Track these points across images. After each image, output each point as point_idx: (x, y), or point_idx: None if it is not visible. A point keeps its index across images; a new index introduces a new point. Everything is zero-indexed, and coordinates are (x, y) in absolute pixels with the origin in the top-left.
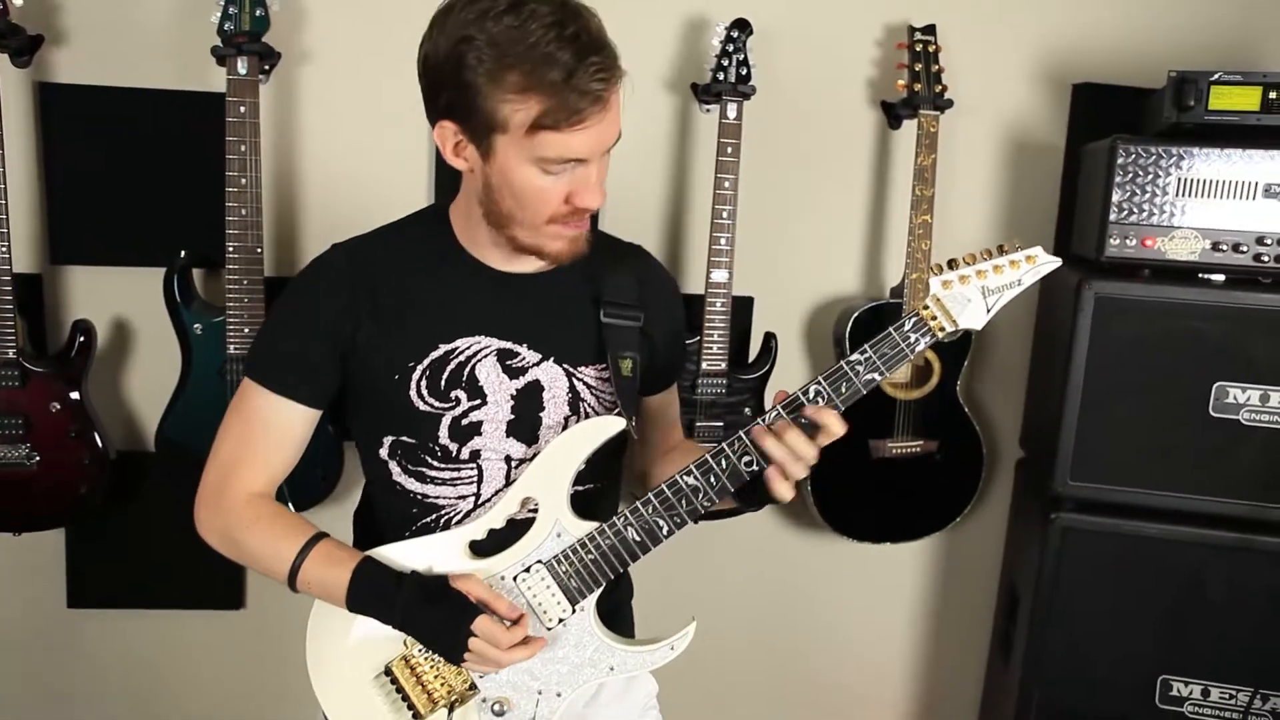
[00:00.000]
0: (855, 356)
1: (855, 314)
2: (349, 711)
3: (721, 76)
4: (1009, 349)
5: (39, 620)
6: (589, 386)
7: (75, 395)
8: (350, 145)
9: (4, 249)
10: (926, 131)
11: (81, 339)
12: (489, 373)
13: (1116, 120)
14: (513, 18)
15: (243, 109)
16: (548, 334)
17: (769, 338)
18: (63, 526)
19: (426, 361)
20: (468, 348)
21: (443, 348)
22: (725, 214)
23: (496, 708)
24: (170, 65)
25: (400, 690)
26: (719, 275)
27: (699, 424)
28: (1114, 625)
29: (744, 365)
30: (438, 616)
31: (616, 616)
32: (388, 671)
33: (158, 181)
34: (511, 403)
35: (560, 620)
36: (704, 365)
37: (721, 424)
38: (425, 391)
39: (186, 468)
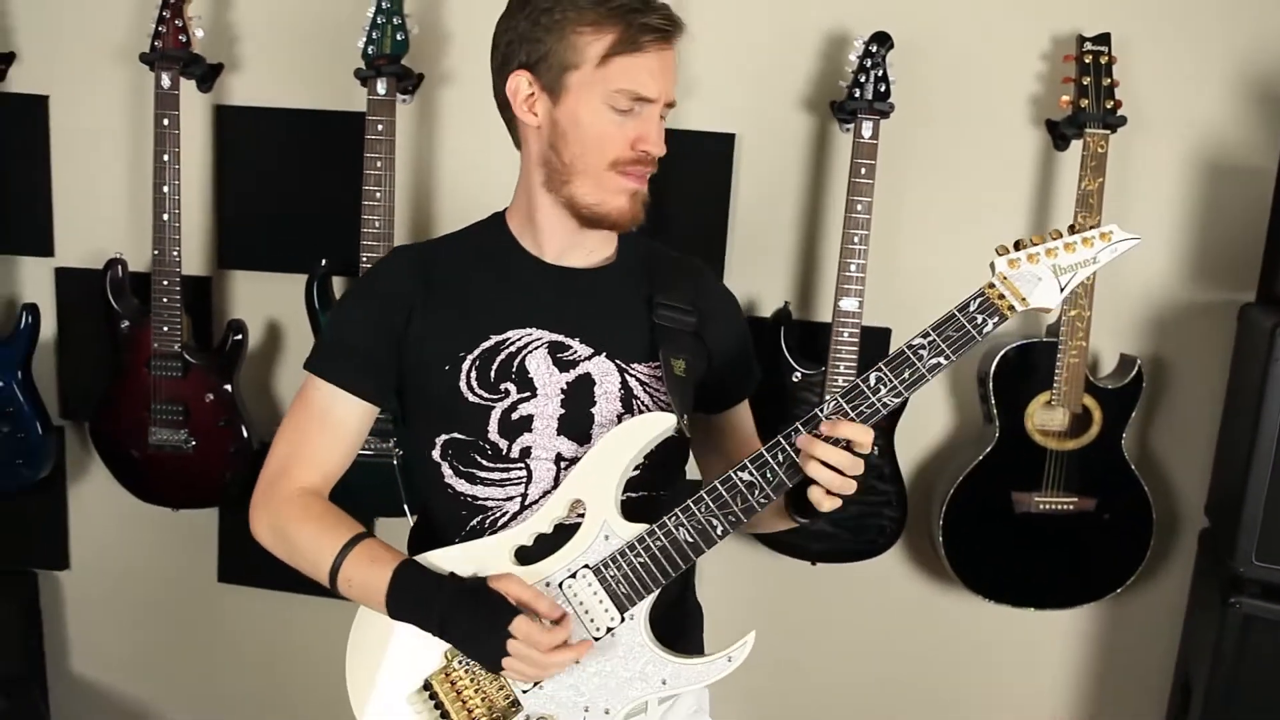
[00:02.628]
0: (917, 340)
1: (1002, 351)
2: None
3: (857, 93)
4: (1197, 402)
5: (192, 590)
6: (642, 384)
7: (228, 388)
8: (484, 164)
9: (175, 254)
10: (1093, 152)
11: (236, 337)
12: (539, 364)
13: None
14: None
15: (380, 127)
16: (600, 329)
17: None
18: (212, 506)
19: (477, 351)
20: (518, 339)
21: (493, 338)
22: (857, 239)
23: None
24: (327, 87)
25: (440, 707)
26: (848, 304)
27: None
28: None
29: None
30: (475, 618)
31: (682, 641)
32: (427, 686)
33: (310, 194)
34: (562, 396)
35: (609, 629)
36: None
37: None
38: (475, 383)
39: None
